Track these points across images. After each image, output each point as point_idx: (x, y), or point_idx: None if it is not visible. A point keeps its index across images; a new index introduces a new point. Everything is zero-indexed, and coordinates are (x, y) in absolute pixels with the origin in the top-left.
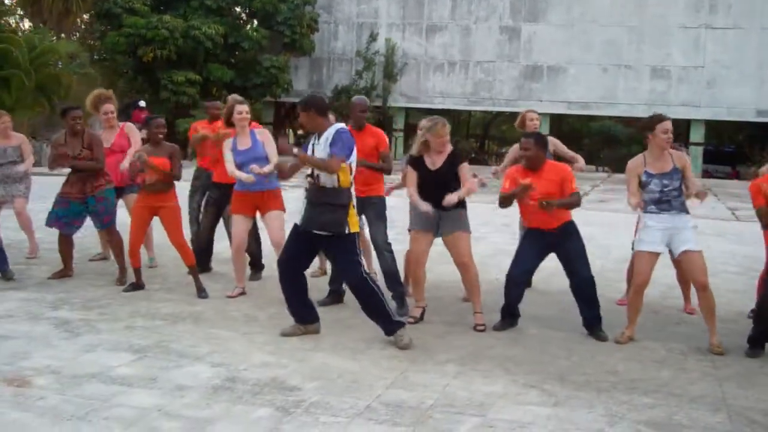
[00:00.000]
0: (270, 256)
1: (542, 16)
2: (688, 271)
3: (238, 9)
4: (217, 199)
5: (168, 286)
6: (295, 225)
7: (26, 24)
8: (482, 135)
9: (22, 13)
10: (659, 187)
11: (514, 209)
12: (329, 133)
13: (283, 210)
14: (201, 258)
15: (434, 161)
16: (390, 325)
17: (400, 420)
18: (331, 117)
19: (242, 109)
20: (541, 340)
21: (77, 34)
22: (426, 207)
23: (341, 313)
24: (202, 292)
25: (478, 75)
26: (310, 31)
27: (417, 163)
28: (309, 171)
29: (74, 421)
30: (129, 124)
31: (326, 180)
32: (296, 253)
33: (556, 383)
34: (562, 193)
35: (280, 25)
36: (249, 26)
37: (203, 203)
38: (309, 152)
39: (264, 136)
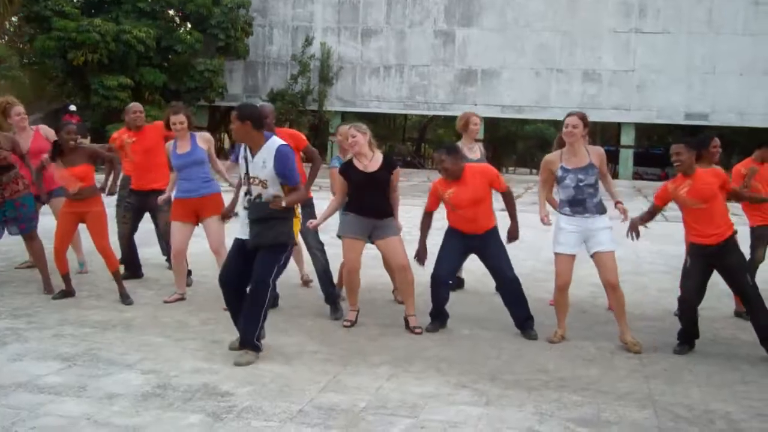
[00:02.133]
0: (207, 261)
1: (476, 21)
2: (600, 271)
3: (171, 12)
4: (134, 205)
5: (98, 292)
6: (237, 242)
7: None
8: (418, 138)
9: None
10: (574, 182)
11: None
12: (268, 153)
13: (218, 210)
14: (128, 265)
15: (366, 165)
16: (249, 340)
17: (333, 423)
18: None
19: (176, 120)
20: (474, 340)
21: (5, 37)
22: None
23: (274, 317)
24: (126, 299)
25: (414, 79)
26: (244, 35)
27: (348, 168)
28: (246, 189)
29: None
30: (43, 126)
31: (269, 195)
32: (239, 268)
33: (487, 383)
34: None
35: (214, 29)
36: (182, 29)
37: (121, 210)
38: (242, 166)
39: (204, 139)
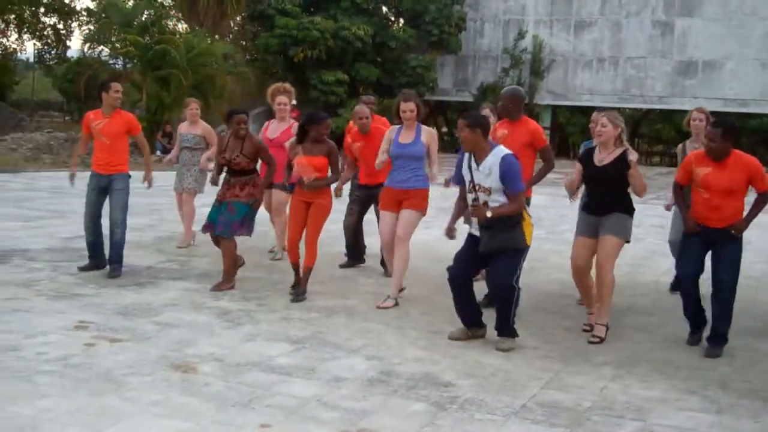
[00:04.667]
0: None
1: (697, 10)
2: None
3: (385, 9)
4: (361, 198)
5: (320, 279)
6: (471, 236)
7: (183, 26)
8: (632, 133)
9: (179, 15)
10: None
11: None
12: (494, 162)
13: (423, 212)
14: (352, 253)
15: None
16: (504, 329)
17: (557, 421)
18: (487, 109)
19: (406, 108)
20: (701, 344)
21: (231, 35)
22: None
23: (491, 312)
24: (301, 295)
25: (629, 71)
26: (457, 30)
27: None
28: (473, 196)
29: (238, 407)
30: (296, 125)
31: (499, 200)
32: (467, 265)
33: (718, 389)
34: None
35: (428, 24)
36: (396, 26)
37: (349, 202)
38: (467, 174)
39: (429, 137)
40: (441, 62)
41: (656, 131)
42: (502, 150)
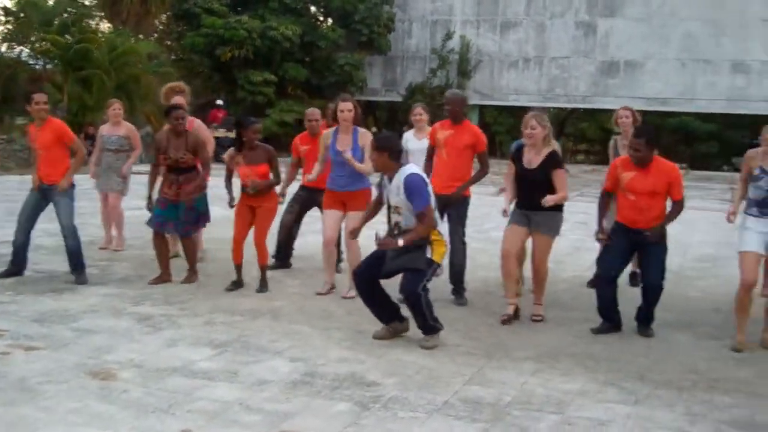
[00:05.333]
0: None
1: (619, 11)
2: None
3: (314, 8)
4: (303, 198)
5: (246, 281)
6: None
7: (106, 25)
8: (558, 132)
9: (101, 15)
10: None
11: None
12: (400, 179)
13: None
14: (281, 254)
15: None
16: (427, 328)
17: (479, 416)
18: (419, 108)
19: (344, 107)
20: (621, 337)
21: (155, 34)
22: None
23: None
24: (264, 288)
25: (553, 71)
26: (386, 30)
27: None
28: (388, 224)
29: (158, 413)
30: (198, 121)
31: (408, 222)
32: (369, 267)
33: (636, 381)
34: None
35: (357, 24)
36: (325, 25)
37: (291, 200)
38: (382, 193)
39: (365, 140)
40: (370, 62)
41: (581, 130)
42: (407, 169)
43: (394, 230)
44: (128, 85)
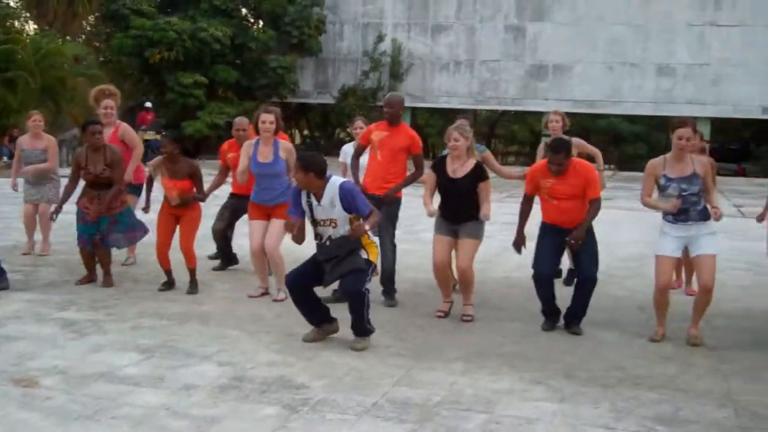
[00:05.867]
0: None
1: (547, 15)
2: (697, 271)
3: (245, 10)
4: (233, 206)
5: (176, 285)
6: (313, 258)
7: (31, 26)
8: (489, 134)
9: (27, 15)
10: (677, 192)
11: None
12: (332, 193)
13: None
14: (224, 256)
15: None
16: (361, 330)
17: (407, 417)
18: (359, 121)
19: (266, 119)
20: (549, 336)
21: (83, 36)
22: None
23: (345, 311)
24: (194, 289)
25: (484, 74)
26: (317, 32)
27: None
28: (315, 233)
29: (82, 420)
30: (125, 125)
31: (341, 232)
32: (304, 276)
33: (562, 379)
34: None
35: (288, 26)
36: (256, 27)
37: (221, 207)
38: (306, 210)
39: (287, 152)
40: (301, 64)
41: (511, 132)
42: (335, 181)
43: (326, 243)
44: (54, 87)
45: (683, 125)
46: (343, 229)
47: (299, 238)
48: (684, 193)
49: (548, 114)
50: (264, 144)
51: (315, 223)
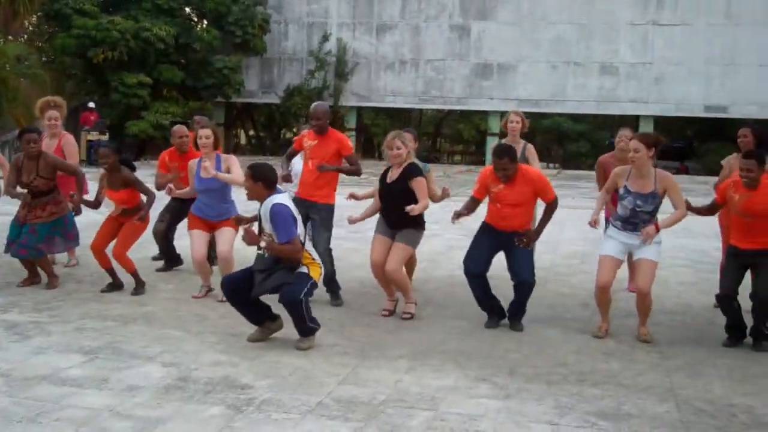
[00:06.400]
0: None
1: (491, 14)
2: (637, 274)
3: (188, 9)
4: (175, 208)
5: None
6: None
7: None
8: (434, 133)
9: None
10: (632, 205)
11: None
12: (266, 209)
13: (235, 229)
14: (167, 257)
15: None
16: (304, 330)
17: (352, 415)
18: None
19: (203, 134)
20: (493, 333)
21: (25, 36)
22: None
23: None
24: (140, 289)
25: (429, 73)
26: (261, 31)
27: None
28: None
29: (24, 423)
30: (69, 137)
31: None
32: (242, 281)
33: (506, 376)
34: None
35: (231, 26)
36: (200, 27)
37: (162, 210)
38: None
39: (229, 162)
40: (247, 64)
41: (457, 131)
42: (273, 199)
43: (265, 254)
44: None
45: (630, 138)
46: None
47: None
48: (637, 209)
49: (507, 114)
50: (206, 160)
51: (260, 231)
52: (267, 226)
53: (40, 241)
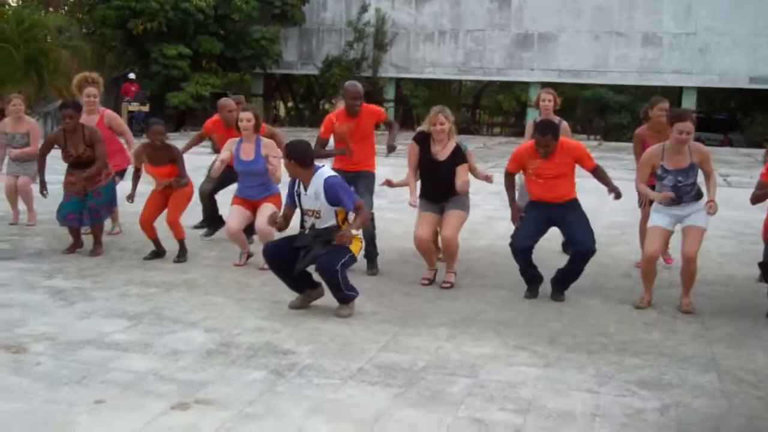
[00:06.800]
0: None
1: None
2: (683, 240)
3: None
4: (222, 171)
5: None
6: (294, 242)
7: None
8: (473, 105)
9: None
10: (672, 183)
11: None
12: (317, 185)
13: (277, 207)
14: (210, 220)
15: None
16: (342, 298)
17: (393, 381)
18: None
19: (243, 117)
20: (533, 303)
21: (66, 7)
22: None
23: None
24: (182, 257)
25: (469, 44)
26: (300, 2)
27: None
28: (300, 220)
29: (71, 385)
30: (110, 112)
31: (326, 222)
32: (284, 250)
33: (546, 345)
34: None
35: None
36: None
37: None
38: (296, 199)
39: (268, 149)
40: (285, 35)
41: (497, 102)
42: (323, 173)
43: (307, 232)
44: (37, 60)
45: (683, 119)
46: (327, 221)
47: (282, 226)
48: (679, 184)
49: (540, 92)
50: (246, 141)
51: (302, 212)
52: (316, 204)
53: (104, 203)
